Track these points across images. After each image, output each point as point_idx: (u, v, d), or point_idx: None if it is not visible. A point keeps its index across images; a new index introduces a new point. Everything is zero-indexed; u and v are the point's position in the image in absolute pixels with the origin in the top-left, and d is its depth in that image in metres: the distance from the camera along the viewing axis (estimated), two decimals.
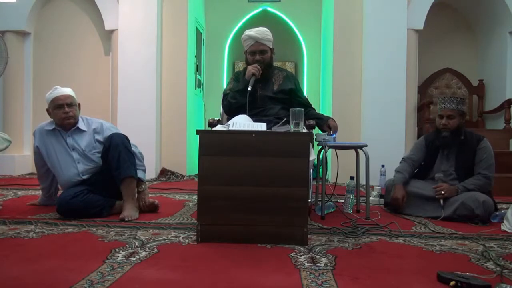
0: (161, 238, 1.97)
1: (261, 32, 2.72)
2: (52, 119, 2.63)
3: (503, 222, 2.36)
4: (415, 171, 2.87)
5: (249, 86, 2.59)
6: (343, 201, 2.81)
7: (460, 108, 2.67)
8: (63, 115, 2.54)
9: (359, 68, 4.70)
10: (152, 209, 2.65)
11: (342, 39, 4.74)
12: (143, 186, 2.68)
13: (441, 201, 2.57)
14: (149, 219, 2.42)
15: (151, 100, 4.74)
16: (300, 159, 1.92)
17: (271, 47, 2.78)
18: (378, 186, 3.42)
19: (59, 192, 2.80)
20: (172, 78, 4.93)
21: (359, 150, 2.78)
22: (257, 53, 2.73)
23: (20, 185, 3.96)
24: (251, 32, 2.73)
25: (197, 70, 5.38)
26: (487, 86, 5.17)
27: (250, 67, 2.69)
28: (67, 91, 2.59)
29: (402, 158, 2.93)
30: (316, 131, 2.79)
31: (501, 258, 1.72)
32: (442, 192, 2.57)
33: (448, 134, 2.67)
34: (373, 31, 4.58)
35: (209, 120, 2.80)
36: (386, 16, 4.55)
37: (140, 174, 2.66)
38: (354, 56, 4.71)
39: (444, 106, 2.69)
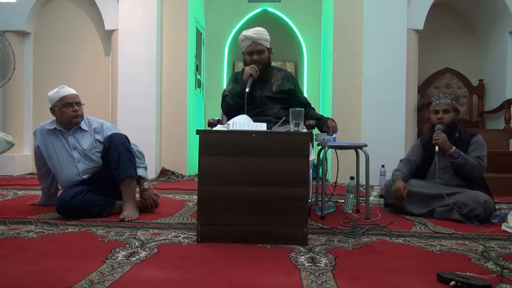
0: (161, 238, 1.97)
1: (257, 32, 2.72)
2: (52, 119, 2.64)
3: (504, 221, 2.36)
4: (414, 172, 2.87)
5: (247, 88, 2.60)
6: (343, 201, 2.81)
7: (454, 104, 2.75)
8: (73, 113, 2.55)
9: (359, 68, 4.69)
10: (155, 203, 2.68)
11: (342, 39, 4.74)
12: (146, 183, 2.68)
13: (436, 148, 2.63)
14: (149, 219, 2.42)
15: (151, 100, 4.74)
16: (300, 159, 1.92)
17: (268, 46, 2.77)
18: (378, 186, 3.42)
19: (59, 192, 2.80)
20: (172, 78, 4.93)
21: (359, 150, 2.78)
22: (254, 53, 2.73)
23: (20, 185, 3.96)
24: (248, 32, 2.73)
25: (197, 70, 5.38)
26: (487, 86, 5.16)
27: (247, 68, 2.69)
28: (74, 91, 2.63)
29: (400, 160, 2.95)
30: (316, 131, 2.79)
31: (501, 258, 1.72)
32: (437, 138, 2.63)
33: (443, 127, 2.69)
34: (373, 31, 4.58)
35: (209, 120, 2.80)
36: (386, 16, 4.55)
37: (141, 172, 2.66)
38: (354, 56, 4.71)
39: (439, 102, 2.76)
